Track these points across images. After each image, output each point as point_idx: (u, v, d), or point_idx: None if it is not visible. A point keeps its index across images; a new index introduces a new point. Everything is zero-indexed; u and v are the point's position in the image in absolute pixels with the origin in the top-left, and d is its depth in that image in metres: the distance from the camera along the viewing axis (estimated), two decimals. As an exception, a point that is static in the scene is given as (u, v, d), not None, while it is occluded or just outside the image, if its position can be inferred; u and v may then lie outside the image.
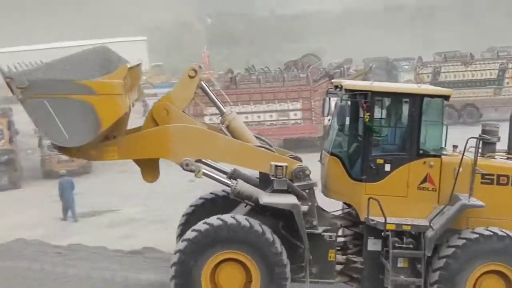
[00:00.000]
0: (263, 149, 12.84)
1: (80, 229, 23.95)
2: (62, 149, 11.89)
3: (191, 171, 12.29)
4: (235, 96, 33.62)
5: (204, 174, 12.44)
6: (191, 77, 12.73)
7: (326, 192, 13.22)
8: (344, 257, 13.33)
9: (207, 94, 13.22)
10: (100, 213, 26.35)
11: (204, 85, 13.16)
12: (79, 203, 25.93)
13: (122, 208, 26.77)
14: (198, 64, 13.07)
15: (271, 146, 13.40)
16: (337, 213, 13.59)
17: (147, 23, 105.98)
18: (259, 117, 36.46)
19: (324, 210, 13.45)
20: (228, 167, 13.34)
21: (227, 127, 12.99)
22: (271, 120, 36.67)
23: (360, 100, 12.56)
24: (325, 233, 12.72)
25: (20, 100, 10.73)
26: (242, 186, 12.60)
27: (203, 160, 13.02)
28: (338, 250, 13.23)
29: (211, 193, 14.34)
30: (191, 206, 14.30)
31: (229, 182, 12.72)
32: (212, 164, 13.37)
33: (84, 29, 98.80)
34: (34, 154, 37.17)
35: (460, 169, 12.45)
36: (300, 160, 13.33)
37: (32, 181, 34.36)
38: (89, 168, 34.90)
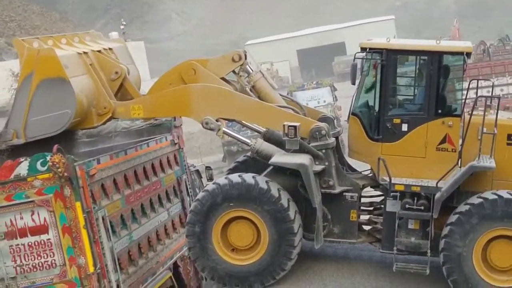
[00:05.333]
0: (282, 109, 12.90)
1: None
2: (93, 120, 12.64)
3: (211, 129, 12.62)
4: (489, 68, 33.27)
5: (224, 132, 12.77)
6: (234, 60, 13.07)
7: (349, 152, 13.10)
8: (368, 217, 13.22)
9: (248, 73, 13.39)
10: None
11: (249, 68, 13.37)
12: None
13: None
14: (244, 51, 13.34)
15: (300, 106, 13.48)
16: (367, 173, 13.40)
17: (395, 2, 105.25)
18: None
19: (354, 170, 13.41)
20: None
21: (253, 87, 13.23)
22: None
23: (374, 58, 12.36)
24: (346, 193, 12.67)
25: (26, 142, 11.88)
26: (261, 145, 12.75)
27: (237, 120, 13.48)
28: (364, 210, 13.18)
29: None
30: (234, 162, 14.45)
31: (248, 141, 12.91)
32: (248, 124, 13.79)
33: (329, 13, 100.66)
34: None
35: (484, 129, 11.86)
36: (332, 121, 13.35)
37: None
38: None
